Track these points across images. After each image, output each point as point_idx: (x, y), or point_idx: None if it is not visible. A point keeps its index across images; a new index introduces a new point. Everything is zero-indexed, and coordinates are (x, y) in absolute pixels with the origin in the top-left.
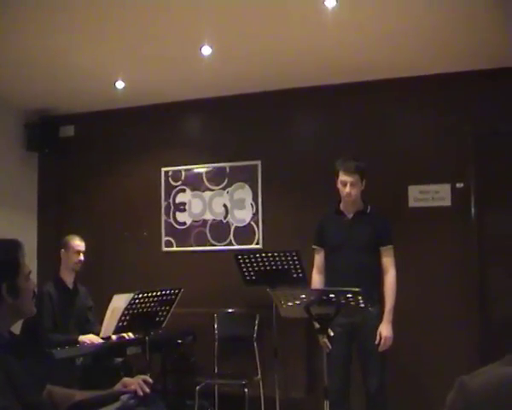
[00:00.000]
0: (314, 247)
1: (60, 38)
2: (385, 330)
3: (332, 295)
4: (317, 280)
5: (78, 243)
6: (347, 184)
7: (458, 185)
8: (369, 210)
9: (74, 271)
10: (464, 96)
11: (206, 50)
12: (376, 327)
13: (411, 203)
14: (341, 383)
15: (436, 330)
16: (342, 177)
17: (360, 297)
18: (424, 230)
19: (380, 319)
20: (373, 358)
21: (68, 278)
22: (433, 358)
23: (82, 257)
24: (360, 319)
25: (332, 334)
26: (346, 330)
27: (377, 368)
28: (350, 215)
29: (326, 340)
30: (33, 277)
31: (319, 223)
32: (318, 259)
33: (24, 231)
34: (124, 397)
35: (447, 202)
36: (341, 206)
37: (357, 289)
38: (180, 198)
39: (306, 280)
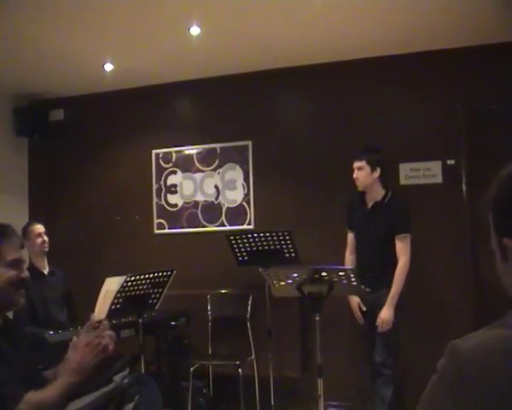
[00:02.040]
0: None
1: (47, 21)
2: (383, 313)
3: (324, 274)
4: (348, 260)
5: (37, 227)
6: (355, 170)
7: (449, 162)
8: (387, 200)
9: (44, 254)
10: (455, 73)
11: (195, 31)
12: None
13: (402, 181)
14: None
15: (428, 306)
16: (353, 163)
17: (352, 275)
18: (415, 207)
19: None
20: (378, 336)
21: (41, 264)
22: (424, 333)
23: (45, 238)
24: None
25: (365, 309)
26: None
27: (379, 347)
28: (369, 205)
29: (360, 314)
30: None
31: (347, 206)
32: (349, 239)
33: (15, 216)
34: (117, 378)
35: (438, 180)
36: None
37: (348, 267)
38: (171, 180)
39: (298, 260)
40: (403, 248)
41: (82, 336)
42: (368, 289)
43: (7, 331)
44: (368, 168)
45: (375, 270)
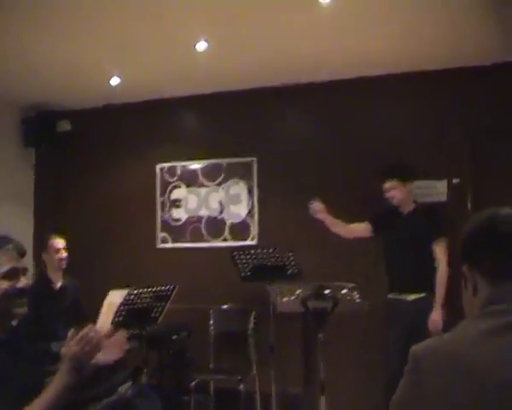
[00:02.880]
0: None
1: (56, 34)
2: (434, 314)
3: (328, 290)
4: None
5: (58, 241)
6: (387, 190)
7: (455, 181)
8: (419, 207)
9: (60, 269)
10: (461, 93)
11: (202, 46)
12: (421, 312)
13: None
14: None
15: None
16: (384, 183)
17: (355, 292)
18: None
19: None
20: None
21: (55, 277)
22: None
23: (64, 254)
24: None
25: None
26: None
27: None
28: (405, 212)
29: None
30: (28, 273)
31: (384, 207)
32: (362, 226)
33: (20, 226)
34: (121, 389)
35: (443, 198)
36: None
37: (352, 284)
38: (175, 194)
39: (301, 276)
40: (441, 253)
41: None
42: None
43: (7, 345)
44: (401, 185)
45: (413, 275)
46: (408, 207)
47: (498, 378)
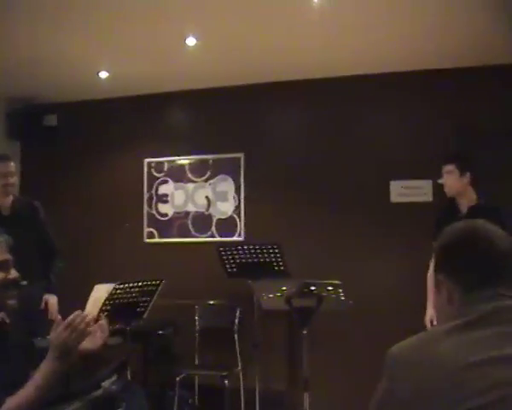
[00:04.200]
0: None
1: (43, 26)
2: None
3: (313, 288)
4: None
5: (4, 165)
6: (444, 175)
7: (440, 181)
8: (481, 204)
9: (7, 195)
10: (446, 93)
11: (191, 41)
12: None
13: (393, 198)
14: None
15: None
16: (442, 168)
17: (341, 290)
18: (405, 225)
19: None
20: None
21: (3, 204)
22: None
23: (11, 180)
24: None
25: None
26: None
27: None
28: (464, 211)
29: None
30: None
31: (436, 220)
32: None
33: None
34: (105, 384)
35: (429, 198)
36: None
37: (337, 282)
38: (163, 189)
39: (288, 273)
40: None
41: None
42: None
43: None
44: (457, 172)
45: None
46: (468, 203)
47: (463, 361)
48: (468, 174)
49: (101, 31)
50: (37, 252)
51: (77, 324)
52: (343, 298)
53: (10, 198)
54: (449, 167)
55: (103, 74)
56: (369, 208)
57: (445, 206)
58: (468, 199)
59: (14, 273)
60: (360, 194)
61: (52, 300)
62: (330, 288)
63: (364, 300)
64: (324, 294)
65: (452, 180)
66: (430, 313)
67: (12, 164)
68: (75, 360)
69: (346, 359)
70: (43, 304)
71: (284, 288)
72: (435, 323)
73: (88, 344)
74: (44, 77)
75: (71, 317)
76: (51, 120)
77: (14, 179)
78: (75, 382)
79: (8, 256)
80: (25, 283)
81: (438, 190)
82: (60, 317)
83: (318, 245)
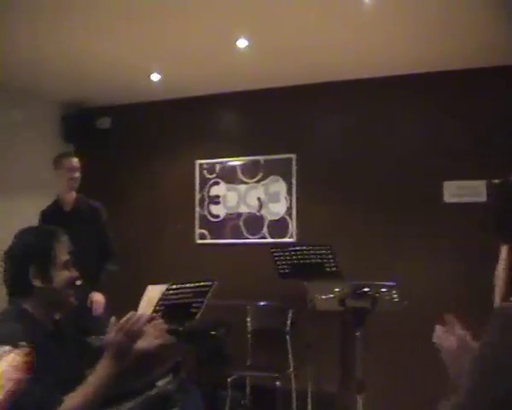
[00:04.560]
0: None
1: (97, 31)
2: None
3: (367, 289)
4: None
5: (72, 160)
6: None
7: (494, 181)
8: None
9: (72, 190)
10: (504, 92)
11: (242, 43)
12: None
13: (447, 199)
14: None
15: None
16: None
17: (394, 291)
18: (459, 225)
19: None
20: None
21: (67, 200)
22: None
23: (77, 174)
24: None
25: None
26: None
27: None
28: None
29: None
30: None
31: None
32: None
33: None
34: (160, 383)
35: (483, 198)
36: None
37: (391, 283)
38: (214, 191)
39: (340, 273)
40: None
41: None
42: None
43: (56, 335)
44: None
45: None
46: None
47: None
48: None
49: (152, 34)
50: (94, 252)
51: (132, 325)
52: (397, 299)
53: (73, 195)
54: None
55: (155, 77)
56: (423, 209)
57: None
58: None
59: (75, 273)
60: (413, 194)
61: (97, 297)
62: (384, 289)
63: (419, 301)
64: (378, 295)
65: None
66: None
67: (76, 160)
68: (131, 360)
69: (400, 360)
70: (89, 302)
71: (337, 289)
72: None
73: (144, 344)
74: (98, 81)
75: (125, 318)
76: (104, 122)
77: (78, 175)
78: (130, 381)
79: (69, 256)
80: (79, 283)
81: (492, 190)
82: (114, 318)
83: (371, 246)
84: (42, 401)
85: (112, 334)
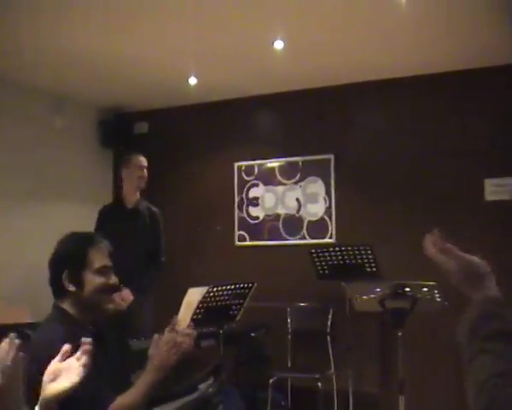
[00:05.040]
0: None
1: (133, 37)
2: None
3: (407, 289)
4: None
5: (142, 159)
6: None
7: None
8: None
9: (138, 189)
10: None
11: (279, 45)
12: None
13: (487, 196)
14: None
15: None
16: None
17: (436, 291)
18: (500, 223)
19: None
20: None
21: (130, 197)
22: None
23: (145, 173)
24: None
25: None
26: None
27: None
28: None
29: None
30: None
31: None
32: None
33: None
34: (202, 386)
35: None
36: None
37: (432, 283)
38: (253, 193)
39: (380, 274)
40: None
41: (165, 335)
42: None
43: (98, 338)
44: None
45: None
46: None
47: None
48: None
49: (189, 37)
50: (144, 253)
51: (175, 343)
52: (439, 299)
53: (137, 194)
54: None
55: (193, 80)
56: (463, 207)
57: None
58: None
59: (114, 279)
60: (453, 192)
61: (125, 293)
62: (425, 289)
63: (461, 300)
64: (419, 295)
65: None
66: None
67: (145, 159)
68: (171, 371)
69: (442, 360)
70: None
71: (378, 289)
72: None
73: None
74: (135, 85)
75: (169, 335)
76: (142, 127)
77: (146, 174)
78: (172, 384)
79: (108, 262)
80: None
81: None
82: (157, 335)
83: (411, 245)
84: (95, 396)
85: (156, 350)
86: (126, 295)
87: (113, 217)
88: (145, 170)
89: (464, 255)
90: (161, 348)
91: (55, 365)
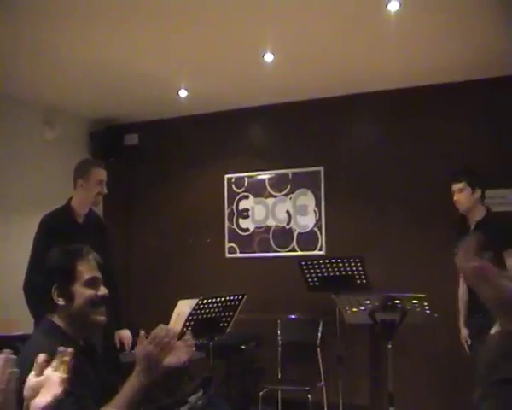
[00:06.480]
0: None
1: (123, 48)
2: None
3: (397, 301)
4: (460, 292)
5: (103, 173)
6: (455, 193)
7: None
8: (489, 218)
9: (93, 206)
10: None
11: (269, 57)
12: None
13: None
14: None
15: None
16: (452, 186)
17: (426, 303)
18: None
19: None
20: None
21: (81, 212)
22: None
23: (105, 191)
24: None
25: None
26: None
27: None
28: (472, 227)
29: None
30: None
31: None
32: None
33: None
34: (191, 399)
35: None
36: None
37: (422, 295)
38: (243, 205)
39: (370, 286)
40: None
41: (152, 331)
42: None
43: (87, 352)
44: (468, 190)
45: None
46: (475, 218)
47: None
48: (478, 190)
49: (179, 50)
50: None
51: (161, 337)
52: (428, 311)
53: (88, 208)
54: (459, 186)
55: (183, 93)
56: (451, 220)
57: (456, 224)
58: (476, 215)
59: (103, 290)
60: (442, 205)
61: (124, 333)
62: (415, 301)
63: (450, 312)
64: (409, 307)
65: (464, 198)
66: (464, 332)
67: (105, 172)
68: (160, 375)
69: (432, 373)
70: (117, 340)
71: (368, 301)
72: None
73: (173, 360)
74: (125, 98)
75: (155, 330)
76: (132, 139)
77: (106, 190)
78: (160, 397)
79: (97, 273)
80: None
81: None
82: (143, 332)
83: (400, 257)
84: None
85: (141, 346)
86: (126, 338)
87: (62, 232)
88: (105, 185)
89: (500, 281)
90: (144, 346)
91: (33, 379)
